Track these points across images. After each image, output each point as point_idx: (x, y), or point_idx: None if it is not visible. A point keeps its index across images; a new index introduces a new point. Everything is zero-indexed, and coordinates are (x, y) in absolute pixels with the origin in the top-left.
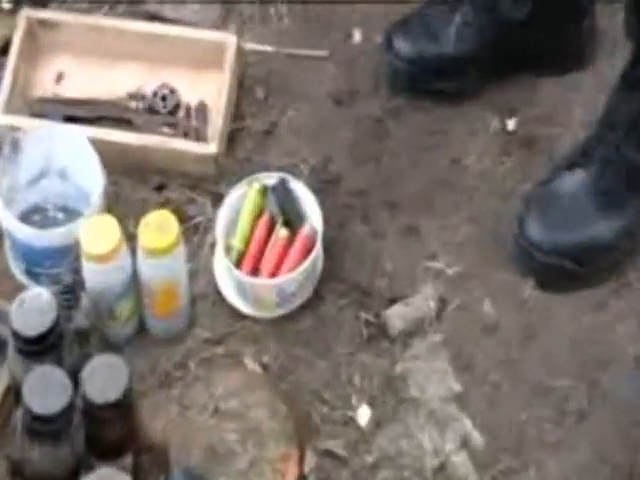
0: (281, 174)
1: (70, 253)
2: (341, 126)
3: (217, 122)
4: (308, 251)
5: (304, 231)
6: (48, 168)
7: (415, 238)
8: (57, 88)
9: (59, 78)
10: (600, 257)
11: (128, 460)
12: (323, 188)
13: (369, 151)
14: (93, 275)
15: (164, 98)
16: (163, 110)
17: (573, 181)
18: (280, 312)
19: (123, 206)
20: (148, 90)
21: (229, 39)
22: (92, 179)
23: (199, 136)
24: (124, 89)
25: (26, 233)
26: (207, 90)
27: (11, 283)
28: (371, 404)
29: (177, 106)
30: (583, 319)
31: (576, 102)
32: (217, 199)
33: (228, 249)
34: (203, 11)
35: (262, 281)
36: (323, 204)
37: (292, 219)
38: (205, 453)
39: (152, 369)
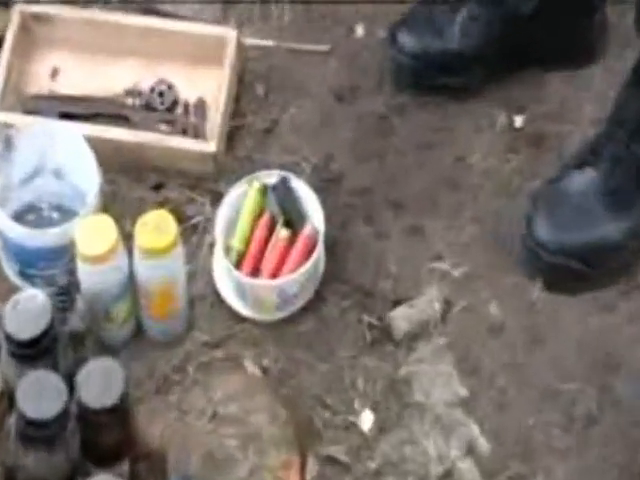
0: (282, 173)
1: (65, 254)
2: (343, 123)
3: (216, 119)
4: (310, 252)
5: (305, 231)
6: (43, 166)
7: (419, 238)
8: (52, 84)
9: (54, 74)
10: (609, 258)
11: (125, 467)
12: (325, 187)
13: (372, 149)
14: (89, 276)
15: (162, 94)
16: (161, 107)
17: (582, 180)
18: (281, 314)
19: (120, 205)
20: (145, 86)
21: (229, 34)
22: (88, 178)
23: (198, 133)
24: (121, 85)
25: (19, 233)
26: (206, 86)
27: (5, 285)
28: (374, 409)
29: (175, 103)
30: (592, 321)
31: (586, 98)
32: (216, 198)
33: (227, 250)
34: (203, 5)
35: (262, 282)
36: (325, 203)
37: (293, 219)
38: (204, 460)
39: (149, 373)
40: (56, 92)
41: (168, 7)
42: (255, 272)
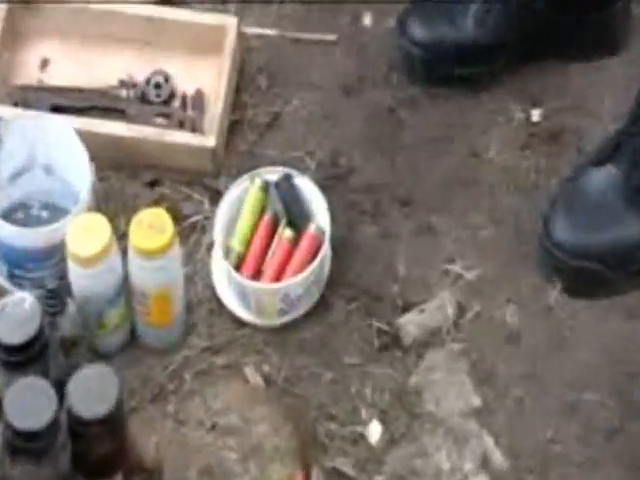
0: (285, 169)
1: (55, 254)
2: (350, 117)
3: (215, 112)
4: (314, 253)
5: (310, 231)
6: (32, 162)
7: (431, 239)
8: (42, 75)
9: (44, 64)
10: (630, 260)
11: None
12: (331, 184)
13: (381, 144)
14: (80, 279)
15: (158, 86)
16: (157, 99)
17: (602, 177)
18: (284, 319)
19: (113, 203)
20: (140, 77)
21: (229, 22)
22: (79, 174)
23: (196, 127)
24: (114, 76)
25: (7, 232)
26: (205, 77)
27: None
28: (382, 420)
29: (172, 95)
30: (613, 327)
31: (606, 91)
32: (215, 196)
33: (227, 251)
34: None
35: (264, 286)
36: (331, 202)
37: (297, 218)
38: (202, 473)
39: (144, 381)
40: (46, 83)
41: None
42: (256, 275)
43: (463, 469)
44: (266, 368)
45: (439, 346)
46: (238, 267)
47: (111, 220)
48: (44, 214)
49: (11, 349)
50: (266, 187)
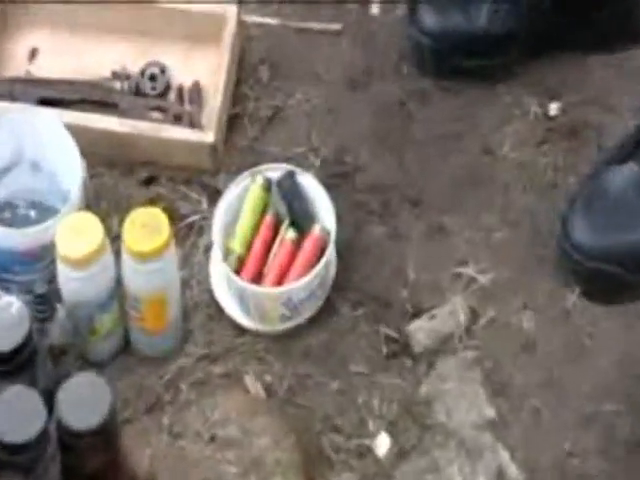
0: (288, 166)
1: (44, 256)
2: (357, 111)
3: (214, 106)
4: (319, 255)
5: (314, 232)
6: (19, 158)
7: (442, 240)
8: (30, 66)
9: (32, 55)
10: None
11: None
12: (336, 182)
13: (389, 139)
14: (70, 282)
15: (153, 78)
16: (152, 92)
17: (623, 175)
18: (286, 325)
19: (106, 202)
20: (134, 69)
21: (228, 10)
22: (70, 171)
23: (193, 122)
24: (107, 68)
25: None
26: (203, 69)
27: None
28: (391, 432)
29: (168, 87)
30: (635, 334)
31: (628, 85)
32: (214, 195)
33: (226, 253)
34: None
35: (266, 290)
36: (336, 201)
37: (300, 218)
38: None
39: (138, 391)
40: (34, 75)
41: None
42: (257, 278)
43: None
44: (267, 377)
45: (451, 354)
46: (238, 270)
47: (103, 220)
48: (32, 214)
49: None
50: (268, 185)
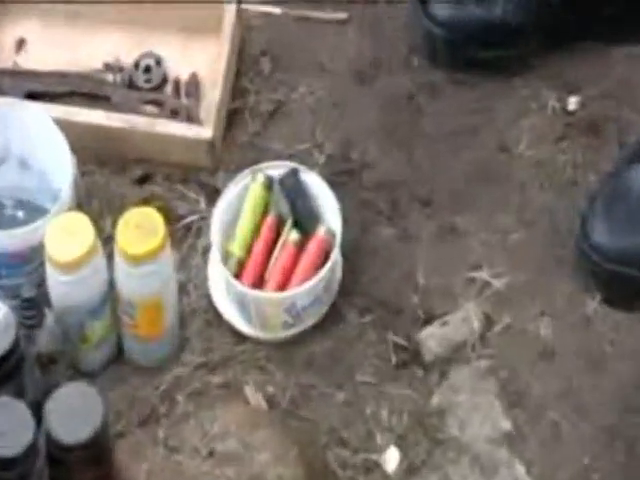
0: (291, 163)
1: (32, 259)
2: (364, 105)
3: (213, 100)
4: (324, 258)
5: (319, 234)
6: (5, 155)
7: (454, 242)
8: (17, 58)
9: (19, 46)
10: None
11: None
12: (342, 181)
13: (398, 135)
14: (60, 286)
15: (148, 70)
16: (146, 85)
17: None
18: (289, 333)
19: (97, 202)
20: (128, 60)
21: None
22: (59, 168)
23: (191, 117)
24: (99, 59)
25: None
26: (201, 61)
27: None
28: (400, 446)
29: (164, 80)
30: None
31: None
32: (212, 194)
33: (226, 256)
34: None
35: (267, 295)
36: (342, 200)
37: (304, 219)
38: None
39: (132, 403)
40: (22, 67)
41: None
42: (258, 283)
43: None
44: (269, 388)
45: (464, 363)
46: (238, 274)
47: (95, 221)
48: (19, 214)
49: None
50: (269, 184)
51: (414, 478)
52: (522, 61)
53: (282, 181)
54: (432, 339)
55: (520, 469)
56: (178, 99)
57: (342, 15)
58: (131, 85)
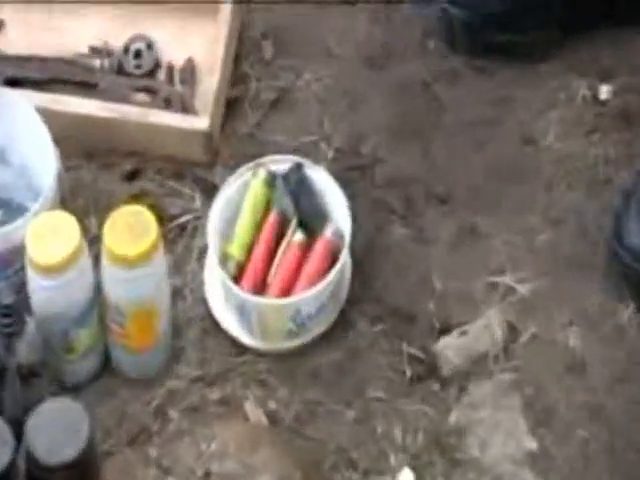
0: (295, 158)
1: (12, 262)
2: (376, 94)
3: (210, 87)
4: (331, 261)
5: (326, 234)
6: None
7: (475, 244)
8: None
9: None
10: None
11: None
12: (352, 177)
13: (413, 127)
14: (42, 292)
15: (138, 55)
16: (137, 71)
17: None
18: (294, 343)
19: (83, 199)
20: (117, 44)
21: None
22: (41, 163)
23: (185, 106)
24: (85, 42)
25: None
26: (197, 45)
27: None
28: (415, 467)
29: (156, 65)
30: None
31: None
32: (209, 191)
33: (224, 258)
34: None
35: (269, 301)
36: (352, 198)
37: (310, 218)
38: None
39: (121, 419)
40: (1, 51)
41: None
42: (260, 288)
43: None
44: (271, 404)
45: (485, 377)
46: (237, 278)
47: (80, 220)
48: None
49: None
50: (272, 180)
51: None
52: (549, 45)
53: (286, 177)
54: (450, 350)
55: None
56: (172, 86)
57: None
58: (120, 71)
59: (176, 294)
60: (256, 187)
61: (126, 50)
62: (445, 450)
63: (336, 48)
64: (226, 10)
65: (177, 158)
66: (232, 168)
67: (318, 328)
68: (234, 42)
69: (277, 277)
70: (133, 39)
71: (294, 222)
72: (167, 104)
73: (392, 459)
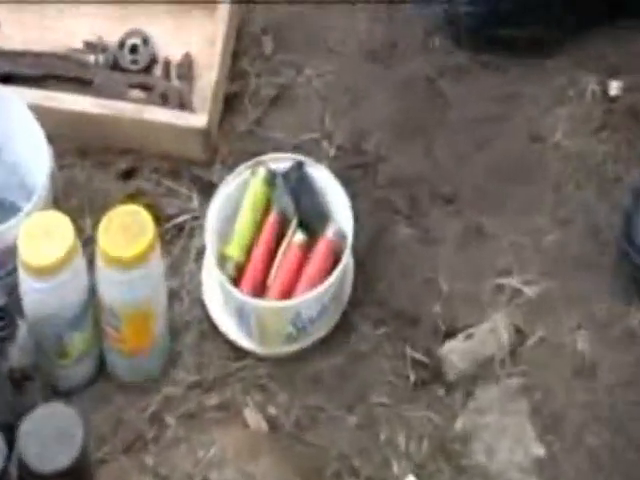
0: (296, 156)
1: (3, 264)
2: (379, 90)
3: (208, 83)
4: (333, 262)
5: (327, 235)
6: None
7: (481, 245)
8: None
9: None
10: None
11: None
12: (354, 175)
13: (417, 124)
14: (35, 294)
15: (134, 50)
16: (133, 66)
17: None
18: (294, 347)
19: (77, 199)
20: (112, 39)
21: None
22: (34, 161)
23: (183, 102)
24: (79, 37)
25: None
26: (194, 40)
27: None
28: (420, 475)
29: (152, 61)
30: None
31: None
32: (207, 190)
33: (222, 259)
34: None
35: (269, 304)
36: (354, 197)
37: (311, 218)
38: None
39: (116, 425)
40: None
41: None
42: (259, 290)
43: None
44: (271, 409)
45: (492, 381)
46: (236, 280)
47: (74, 220)
48: None
49: None
50: (272, 179)
51: None
52: (557, 40)
53: (286, 175)
54: (455, 354)
55: None
56: (168, 82)
57: None
58: (115, 67)
59: (173, 296)
60: (256, 186)
61: (122, 45)
62: (450, 457)
63: (338, 43)
64: (225, 5)
65: (174, 156)
66: (231, 166)
67: (319, 332)
68: (233, 36)
69: (277, 279)
70: (129, 34)
71: (295, 222)
72: (164, 100)
73: (396, 466)
